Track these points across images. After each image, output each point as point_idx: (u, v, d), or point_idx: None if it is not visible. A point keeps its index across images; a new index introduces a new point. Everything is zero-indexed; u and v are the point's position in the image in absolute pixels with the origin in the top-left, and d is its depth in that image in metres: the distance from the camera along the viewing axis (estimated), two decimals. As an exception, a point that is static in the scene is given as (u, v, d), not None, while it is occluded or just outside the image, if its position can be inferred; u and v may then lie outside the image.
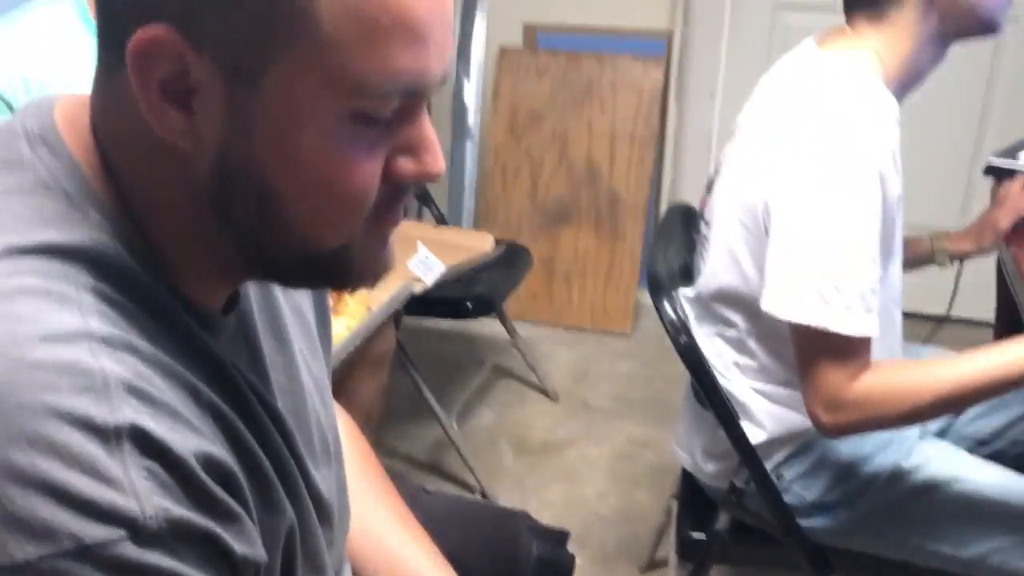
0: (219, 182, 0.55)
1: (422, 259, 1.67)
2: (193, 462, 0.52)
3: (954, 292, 1.58)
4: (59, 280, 0.53)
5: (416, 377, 2.19)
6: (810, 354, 1.17)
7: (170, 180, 0.56)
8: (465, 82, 2.99)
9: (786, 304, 1.16)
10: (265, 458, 0.63)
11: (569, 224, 3.00)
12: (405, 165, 0.58)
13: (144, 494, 0.49)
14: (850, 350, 1.13)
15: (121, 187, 0.57)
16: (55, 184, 0.56)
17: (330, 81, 0.52)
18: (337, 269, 0.60)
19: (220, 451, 0.56)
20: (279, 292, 0.73)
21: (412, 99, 0.56)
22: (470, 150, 3.02)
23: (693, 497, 1.49)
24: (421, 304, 2.14)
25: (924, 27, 1.17)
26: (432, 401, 2.23)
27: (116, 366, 0.51)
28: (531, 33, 3.05)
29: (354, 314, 1.44)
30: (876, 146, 1.11)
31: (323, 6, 0.50)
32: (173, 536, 0.50)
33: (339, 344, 1.37)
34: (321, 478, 0.73)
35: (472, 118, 3.00)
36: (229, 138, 0.54)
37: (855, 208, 1.10)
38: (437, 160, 0.59)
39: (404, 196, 0.61)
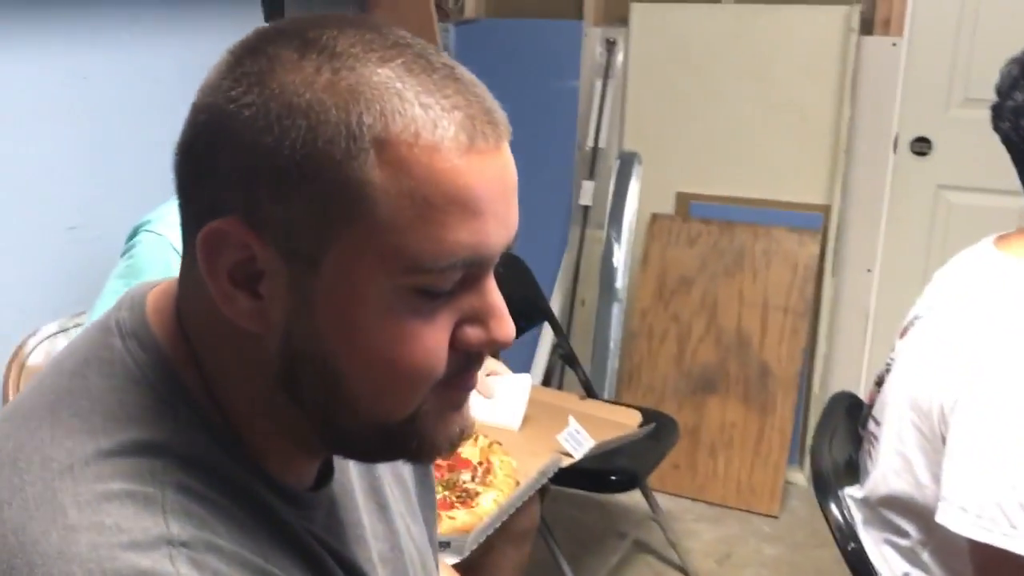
0: (287, 362, 0.57)
1: (572, 433, 1.64)
2: None
3: None
4: (144, 481, 0.54)
5: (554, 548, 2.13)
6: (990, 574, 1.06)
7: (246, 363, 0.58)
8: (616, 246, 3.02)
9: (965, 519, 1.07)
10: None
11: (716, 393, 2.93)
12: (472, 333, 0.58)
13: None
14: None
15: (205, 373, 0.59)
16: (143, 378, 0.58)
17: (387, 259, 0.53)
18: (409, 441, 0.59)
19: None
20: None
21: (474, 269, 0.56)
22: (616, 313, 3.02)
23: None
24: (563, 474, 2.11)
25: None
26: (569, 574, 2.16)
27: (193, 571, 0.51)
28: (684, 201, 3.07)
29: (503, 487, 1.42)
30: None
31: (379, 190, 0.52)
32: None
33: (488, 519, 1.34)
34: None
35: (620, 281, 3.02)
36: (293, 319, 0.55)
37: None
38: (504, 327, 0.58)
39: (476, 364, 0.60)
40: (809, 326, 2.87)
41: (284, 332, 0.56)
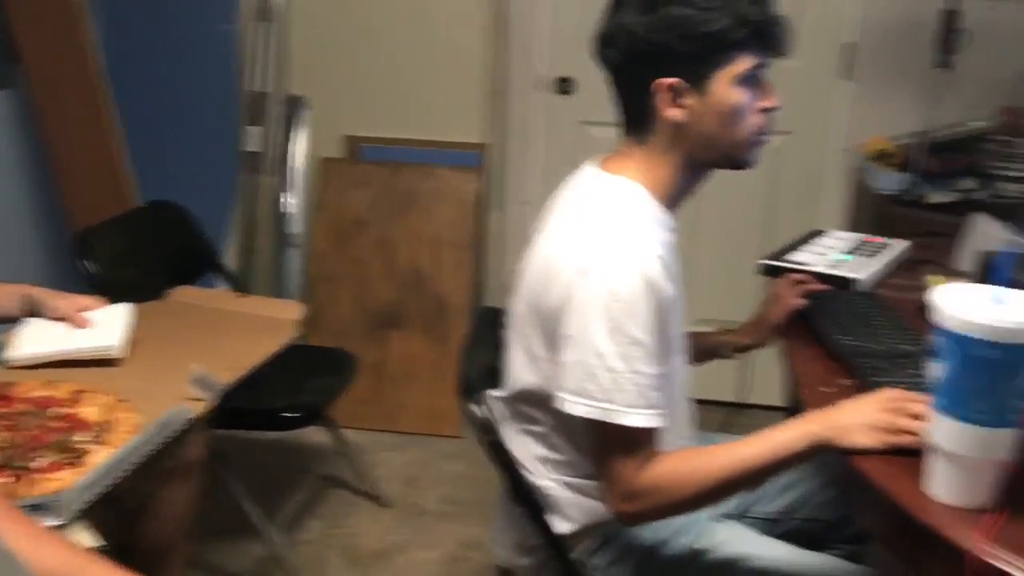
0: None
1: (198, 378, 1.56)
2: None
3: (748, 380, 1.71)
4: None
5: (238, 490, 2.15)
6: (601, 448, 1.25)
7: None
8: (287, 192, 3.03)
9: (575, 401, 1.23)
10: None
11: (398, 329, 3.05)
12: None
13: None
14: (636, 442, 1.21)
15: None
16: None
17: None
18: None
19: None
20: None
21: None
22: (294, 259, 3.04)
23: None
24: (240, 416, 2.12)
25: (676, 155, 1.30)
26: (255, 515, 2.19)
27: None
28: (354, 144, 3.13)
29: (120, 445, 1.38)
30: (641, 256, 1.21)
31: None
32: None
33: (92, 473, 1.28)
34: None
35: (295, 227, 3.03)
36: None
37: (628, 313, 1.19)
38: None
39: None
40: (475, 258, 3.05)
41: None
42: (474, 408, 1.37)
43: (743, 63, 1.24)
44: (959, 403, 0.94)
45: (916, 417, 1.07)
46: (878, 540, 1.18)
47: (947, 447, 0.97)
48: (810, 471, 1.52)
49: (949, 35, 2.43)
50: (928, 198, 2.43)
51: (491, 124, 3.01)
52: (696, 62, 1.24)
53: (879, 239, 1.92)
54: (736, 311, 1.76)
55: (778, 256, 1.80)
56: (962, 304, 0.92)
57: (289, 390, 2.23)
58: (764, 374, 1.86)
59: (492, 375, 1.52)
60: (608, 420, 1.21)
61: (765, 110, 1.29)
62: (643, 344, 1.19)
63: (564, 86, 3.00)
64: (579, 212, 1.31)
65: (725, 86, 1.24)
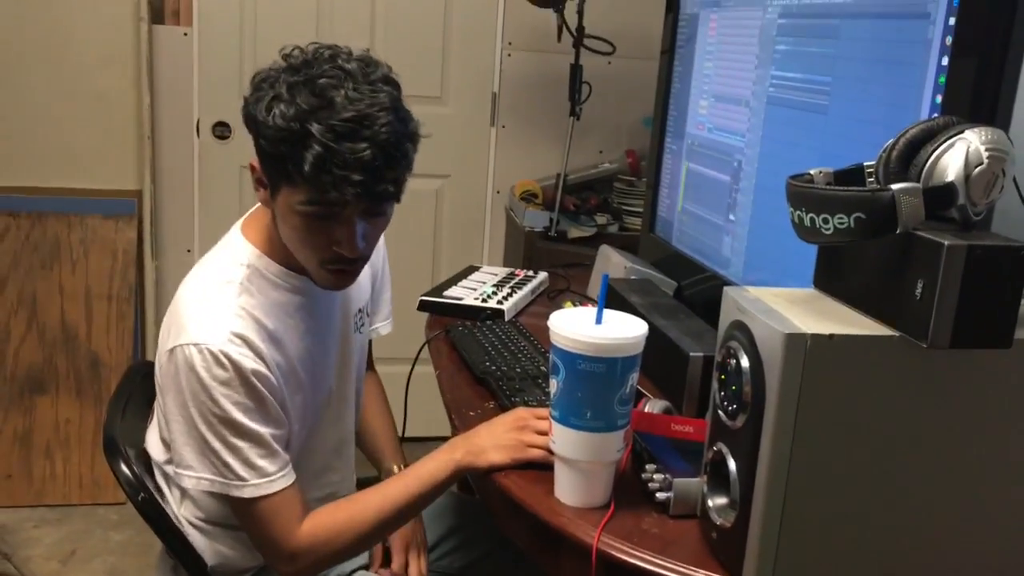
0: None
1: None
2: None
3: (404, 414, 1.77)
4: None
5: None
6: (243, 518, 1.25)
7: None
8: (-94, 249, 2.70)
9: (189, 476, 1.22)
10: None
11: (46, 393, 2.80)
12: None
13: None
14: (271, 508, 1.22)
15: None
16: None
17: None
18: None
19: None
20: None
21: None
22: (-82, 323, 2.71)
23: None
24: None
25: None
26: None
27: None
28: (-14, 194, 2.86)
29: None
30: (213, 337, 1.18)
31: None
32: None
33: None
34: None
35: (-83, 288, 2.71)
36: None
37: (205, 394, 1.18)
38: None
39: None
40: (135, 310, 2.90)
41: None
42: (124, 468, 1.31)
43: (296, 195, 1.16)
44: (572, 413, 1.05)
45: (542, 432, 1.17)
46: (525, 552, 1.27)
47: (566, 454, 1.08)
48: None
49: (576, 87, 2.69)
50: (569, 233, 2.66)
51: (145, 170, 2.88)
52: (267, 167, 1.20)
53: (524, 272, 2.08)
54: (404, 347, 1.82)
55: (436, 292, 1.89)
56: (569, 325, 1.04)
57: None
58: (423, 407, 1.94)
59: (143, 427, 1.46)
60: (229, 493, 1.22)
61: (335, 249, 1.21)
62: (231, 421, 1.19)
63: (220, 131, 2.95)
64: (189, 280, 1.30)
65: (285, 207, 1.19)
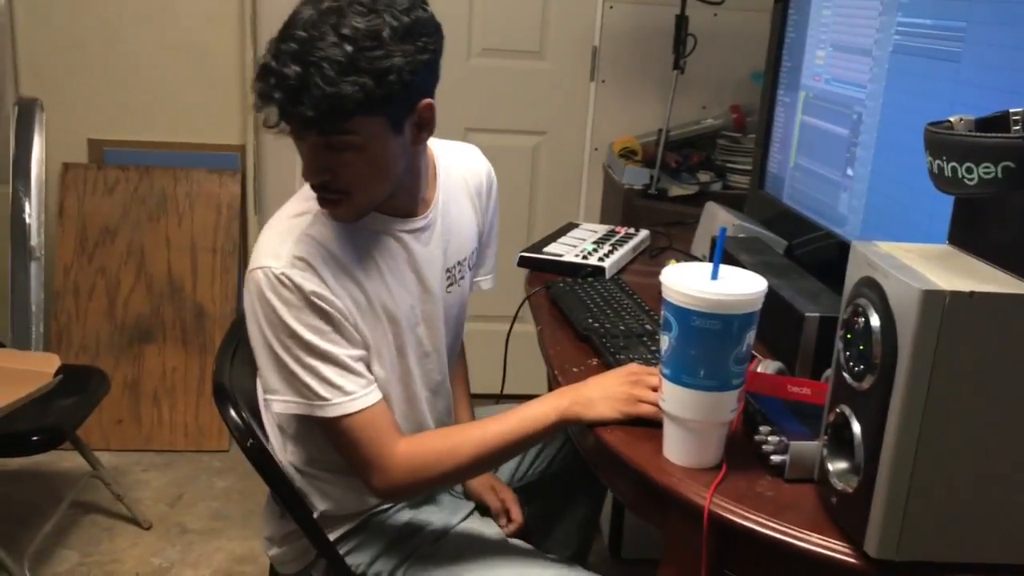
0: None
1: None
2: None
3: (504, 372, 1.76)
4: None
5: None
6: (334, 437, 1.26)
7: None
8: (25, 200, 2.80)
9: (275, 400, 1.25)
10: None
11: (154, 342, 2.89)
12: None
13: None
14: (359, 426, 1.23)
15: None
16: None
17: None
18: None
19: None
20: None
21: None
22: (35, 272, 2.81)
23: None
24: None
25: None
26: (-3, 551, 2.01)
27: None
28: (97, 148, 2.94)
29: None
30: (281, 258, 1.21)
31: None
32: None
33: None
34: None
35: (34, 238, 2.81)
36: None
37: (273, 310, 1.20)
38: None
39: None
40: (239, 264, 2.96)
41: None
42: (232, 414, 1.33)
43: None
44: (684, 371, 1.02)
45: (653, 388, 1.14)
46: (629, 508, 1.25)
47: (677, 413, 1.04)
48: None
49: (681, 40, 2.61)
50: (670, 191, 2.60)
51: (249, 126, 2.92)
52: None
53: (625, 230, 2.04)
54: (503, 304, 1.81)
55: (536, 248, 1.87)
56: (683, 280, 1.00)
57: (32, 412, 2.07)
58: (521, 365, 1.92)
59: (253, 378, 1.48)
60: (313, 414, 1.23)
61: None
62: (304, 341, 1.20)
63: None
64: (272, 217, 1.32)
65: None
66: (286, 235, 1.24)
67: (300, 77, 1.10)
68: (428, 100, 1.22)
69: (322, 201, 1.25)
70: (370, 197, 1.25)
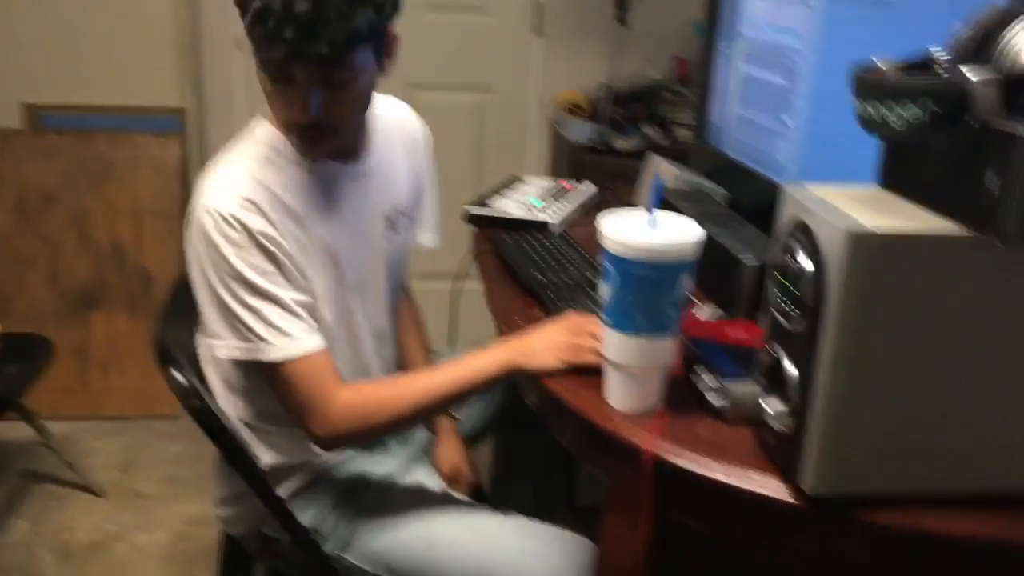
0: None
1: None
2: None
3: (455, 328, 1.77)
4: None
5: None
6: (276, 383, 1.25)
7: None
8: (-42, 168, 2.73)
9: (217, 345, 1.25)
10: None
11: (99, 308, 2.85)
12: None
13: None
14: (304, 370, 1.23)
15: None
16: None
17: None
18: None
19: None
20: None
21: None
22: (-27, 241, 2.75)
23: (235, 554, 1.50)
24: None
25: None
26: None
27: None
28: (34, 113, 2.87)
29: None
30: (224, 197, 1.21)
31: None
32: None
33: None
34: None
35: (-29, 206, 2.75)
36: None
37: (217, 252, 1.20)
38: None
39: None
40: (184, 227, 2.91)
41: None
42: (176, 375, 1.32)
43: (255, 55, 1.18)
44: (624, 318, 1.03)
45: (595, 336, 1.16)
46: (575, 455, 1.27)
47: (617, 359, 1.06)
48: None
49: (624, -8, 2.61)
50: (615, 145, 2.61)
51: (189, 87, 2.87)
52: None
53: (571, 184, 2.05)
54: (446, 260, 1.81)
55: (480, 203, 1.87)
56: (620, 229, 1.01)
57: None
58: (470, 323, 1.93)
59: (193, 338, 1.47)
60: (255, 358, 1.23)
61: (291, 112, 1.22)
62: (247, 281, 1.20)
63: (263, 45, 2.91)
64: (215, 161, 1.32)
65: (256, 69, 1.21)
66: (234, 178, 1.24)
67: (312, 12, 1.10)
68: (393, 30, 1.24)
69: (307, 139, 1.24)
70: (352, 130, 1.27)
